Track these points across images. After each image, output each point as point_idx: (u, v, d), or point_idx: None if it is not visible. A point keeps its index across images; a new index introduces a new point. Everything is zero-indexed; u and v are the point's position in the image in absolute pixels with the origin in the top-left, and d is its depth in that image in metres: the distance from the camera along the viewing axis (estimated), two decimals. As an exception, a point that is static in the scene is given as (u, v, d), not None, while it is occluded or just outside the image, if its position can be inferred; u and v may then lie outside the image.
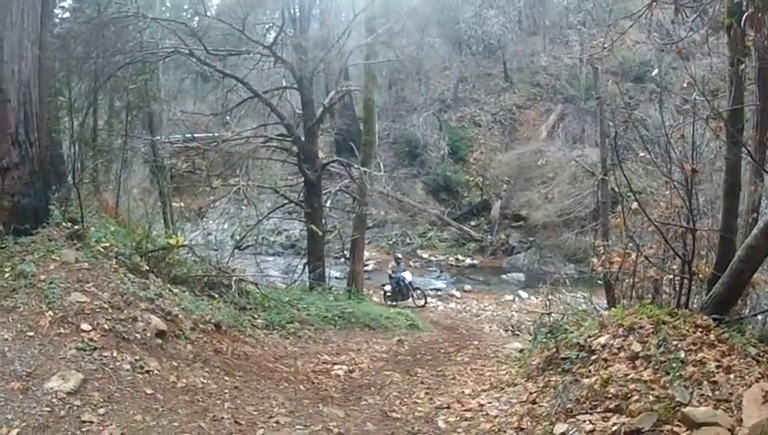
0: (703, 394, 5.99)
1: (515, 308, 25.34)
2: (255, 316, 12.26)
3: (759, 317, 8.28)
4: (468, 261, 32.79)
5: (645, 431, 5.68)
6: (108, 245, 9.89)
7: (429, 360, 12.25)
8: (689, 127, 8.14)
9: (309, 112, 19.58)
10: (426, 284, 29.25)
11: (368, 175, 19.67)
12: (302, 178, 20.18)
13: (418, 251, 33.25)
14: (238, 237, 26.40)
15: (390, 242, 33.21)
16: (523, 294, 27.13)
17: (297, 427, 6.91)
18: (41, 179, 10.02)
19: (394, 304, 23.30)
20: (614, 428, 5.89)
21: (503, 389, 8.55)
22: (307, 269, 20.44)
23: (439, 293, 28.16)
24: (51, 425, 5.93)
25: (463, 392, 8.93)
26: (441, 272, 31.63)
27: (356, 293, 20.46)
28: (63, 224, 9.83)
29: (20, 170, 9.62)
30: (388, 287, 24.42)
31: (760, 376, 6.12)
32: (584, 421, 6.19)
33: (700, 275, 8.24)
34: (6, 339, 7.14)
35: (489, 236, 33.95)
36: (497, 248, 33.52)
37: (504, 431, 6.81)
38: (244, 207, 23.25)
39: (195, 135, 21.35)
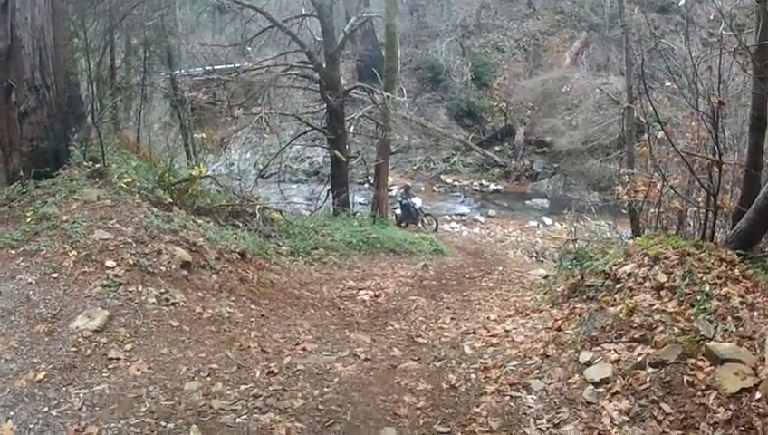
0: (726, 330, 5.97)
1: (539, 234, 25.36)
2: (280, 244, 12.38)
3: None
4: (492, 186, 32.44)
5: (669, 363, 5.72)
6: (130, 180, 9.94)
7: (455, 285, 12.25)
8: (716, 59, 7.97)
9: (329, 39, 19.30)
10: (450, 208, 29.24)
11: (390, 100, 19.36)
12: (325, 105, 20.05)
13: (442, 176, 32.94)
14: (261, 166, 26.44)
15: (414, 167, 33.04)
16: (548, 221, 26.93)
17: (324, 353, 6.95)
18: (60, 122, 10.18)
19: (403, 226, 23.41)
20: (639, 358, 5.94)
21: (528, 315, 8.55)
22: (331, 195, 20.41)
23: (464, 218, 27.99)
24: (77, 365, 5.99)
25: (488, 318, 8.92)
26: (465, 197, 31.41)
27: (380, 218, 20.37)
28: (85, 163, 9.94)
29: (38, 115, 9.84)
30: (398, 211, 24.35)
31: None
32: (609, 350, 6.27)
33: (725, 210, 8.20)
34: (30, 283, 7.24)
35: (513, 162, 33.53)
36: (521, 174, 33.15)
37: (530, 357, 6.82)
38: (266, 136, 23.14)
39: (215, 67, 21.11)
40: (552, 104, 33.38)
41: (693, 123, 9.25)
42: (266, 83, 19.04)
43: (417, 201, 24.44)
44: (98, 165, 9.91)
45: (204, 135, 21.39)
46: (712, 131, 7.99)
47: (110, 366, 6.02)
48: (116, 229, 8.46)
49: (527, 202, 30.53)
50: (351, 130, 21.44)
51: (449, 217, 27.51)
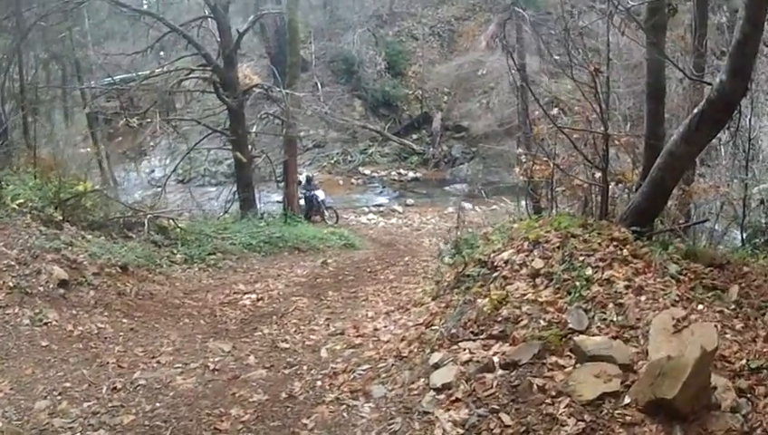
0: (606, 319, 5.56)
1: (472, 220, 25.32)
2: (174, 251, 12.56)
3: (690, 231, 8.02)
4: (411, 175, 32.72)
5: (522, 364, 5.25)
6: (22, 201, 10.25)
7: (351, 280, 12.41)
8: (602, 25, 7.93)
9: (226, 40, 19.40)
10: (368, 200, 29.34)
11: (290, 97, 19.69)
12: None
13: (360, 168, 33.09)
14: (180, 172, 26.56)
15: (332, 161, 33.12)
16: (467, 205, 27.14)
17: (176, 365, 7.15)
18: None
19: (307, 221, 22.74)
20: (494, 358, 5.48)
21: (408, 310, 8.39)
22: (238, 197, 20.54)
23: (381, 208, 27.97)
24: (-53, 388, 6.28)
25: (366, 315, 8.97)
26: (384, 187, 31.56)
27: (292, 215, 20.70)
28: None
29: None
30: (302, 203, 23.69)
31: (677, 299, 5.72)
32: (464, 350, 5.80)
33: (629, 185, 7.99)
34: None
35: (431, 149, 33.80)
36: (440, 160, 33.44)
37: (385, 359, 6.61)
38: (184, 143, 23.08)
39: (119, 77, 21.17)
40: (469, 88, 33.53)
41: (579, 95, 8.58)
42: (168, 89, 19.13)
43: (320, 194, 23.94)
44: None
45: (122, 147, 21.62)
46: (592, 102, 7.75)
47: (-23, 388, 6.35)
48: (1, 252, 8.85)
49: (446, 188, 30.63)
50: (255, 129, 21.58)
51: (366, 209, 27.58)
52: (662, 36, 7.57)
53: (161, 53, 22.28)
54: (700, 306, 5.70)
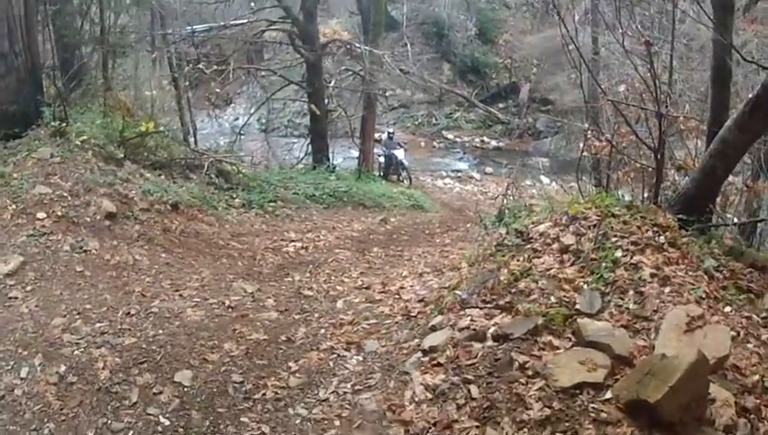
0: (621, 306, 5.30)
1: (534, 193, 24.93)
2: (234, 196, 12.69)
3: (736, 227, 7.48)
4: (494, 143, 32.52)
5: (513, 338, 5.10)
6: (86, 138, 10.54)
7: (405, 240, 12.43)
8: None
9: (306, -7, 19.51)
10: (447, 164, 29.33)
11: (371, 54, 19.78)
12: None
13: (444, 132, 33.04)
14: (263, 121, 27.10)
15: (416, 123, 33.20)
16: (545, 180, 26.71)
17: (195, 299, 7.44)
18: (29, 86, 11.00)
19: (384, 179, 22.86)
20: (490, 329, 5.35)
21: (442, 273, 8.32)
22: (311, 149, 20.75)
23: (459, 174, 27.99)
24: (-20, 301, 6.80)
25: (400, 274, 8.91)
26: (464, 153, 31.52)
27: (365, 172, 20.91)
28: (52, 124, 10.56)
29: (6, 80, 10.78)
30: (381, 160, 23.82)
31: (703, 296, 5.34)
32: (468, 317, 5.72)
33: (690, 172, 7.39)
34: (-32, 233, 8.03)
35: (516, 119, 33.53)
36: (524, 132, 33.15)
37: (394, 317, 6.76)
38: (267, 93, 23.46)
39: (197, 26, 21.51)
40: (558, 62, 33.00)
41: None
42: (248, 39, 19.46)
43: (399, 153, 23.92)
44: (63, 124, 10.60)
45: (209, 93, 22.06)
46: (646, 78, 7.20)
47: (6, 304, 6.87)
48: (56, 184, 9.27)
49: (528, 161, 29.87)
50: (332, 83, 21.72)
51: (444, 174, 27.65)
52: (730, 17, 7.21)
53: (252, 4, 22.54)
54: (727, 308, 5.33)
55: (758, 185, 8.01)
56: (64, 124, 10.61)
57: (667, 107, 7.22)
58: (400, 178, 23.56)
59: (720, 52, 7.01)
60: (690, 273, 5.59)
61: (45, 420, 5.19)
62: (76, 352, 6.03)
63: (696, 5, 7.83)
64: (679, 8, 7.80)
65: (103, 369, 5.79)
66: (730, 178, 7.41)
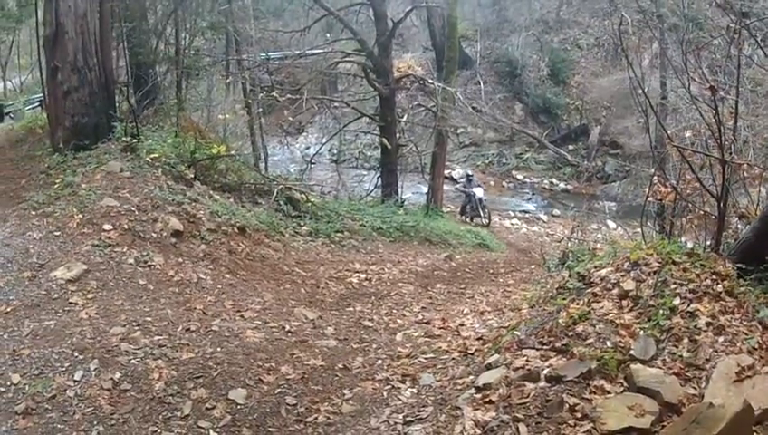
0: (675, 353, 5.19)
1: (598, 237, 24.76)
2: (301, 223, 12.77)
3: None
4: (562, 185, 32.11)
5: (566, 381, 5.08)
6: (156, 155, 10.76)
7: (469, 278, 12.34)
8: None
9: (381, 27, 19.72)
10: (516, 205, 29.09)
11: (443, 90, 19.71)
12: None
13: (513, 172, 32.79)
14: (334, 151, 27.35)
15: (487, 161, 32.97)
16: (611, 224, 26.40)
17: (256, 321, 7.47)
18: (102, 100, 11.39)
19: (465, 220, 23.01)
20: (545, 370, 5.34)
21: (503, 313, 8.25)
22: (380, 182, 20.84)
23: (527, 215, 27.81)
24: (42, 304, 6.97)
25: (461, 311, 8.86)
26: (533, 194, 31.26)
27: (434, 208, 20.79)
28: (123, 138, 10.88)
29: (79, 93, 11.19)
30: (462, 197, 23.86)
31: (756, 346, 5.16)
32: (523, 357, 5.73)
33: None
34: (35, 238, 8.33)
35: (585, 162, 32.98)
36: (592, 175, 32.56)
37: (451, 353, 6.74)
38: (339, 124, 23.76)
39: (272, 53, 21.91)
40: (627, 105, 32.59)
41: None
42: (322, 69, 19.68)
43: (478, 191, 23.78)
44: (134, 140, 10.87)
45: (282, 120, 22.34)
46: (710, 125, 6.92)
47: (66, 308, 6.99)
48: (124, 198, 9.43)
49: (595, 204, 29.58)
50: (404, 118, 21.73)
51: (512, 214, 27.46)
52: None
53: (328, 36, 22.86)
54: (780, 359, 5.13)
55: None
56: (135, 140, 10.88)
57: (731, 153, 6.96)
58: (482, 216, 23.50)
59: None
60: (745, 322, 5.46)
61: (95, 422, 5.24)
62: (132, 361, 6.09)
63: (761, 51, 7.66)
64: (744, 53, 7.34)
65: (158, 380, 5.84)
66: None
